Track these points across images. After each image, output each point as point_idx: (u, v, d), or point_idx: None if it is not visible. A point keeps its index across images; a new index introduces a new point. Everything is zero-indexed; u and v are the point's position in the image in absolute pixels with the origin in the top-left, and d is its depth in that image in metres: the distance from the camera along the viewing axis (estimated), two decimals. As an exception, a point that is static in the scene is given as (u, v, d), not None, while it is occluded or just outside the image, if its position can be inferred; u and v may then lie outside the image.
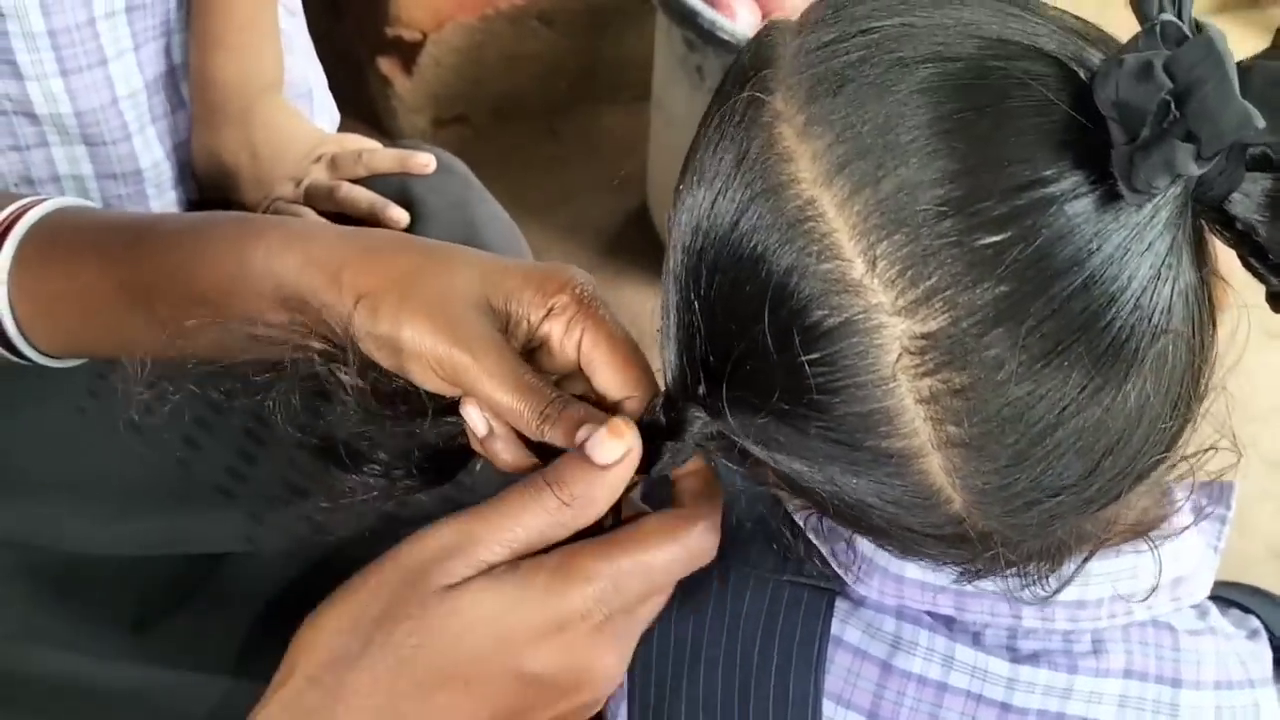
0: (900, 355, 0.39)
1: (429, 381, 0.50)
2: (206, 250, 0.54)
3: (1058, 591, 0.52)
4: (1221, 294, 0.45)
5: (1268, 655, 0.60)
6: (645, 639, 0.60)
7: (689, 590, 0.60)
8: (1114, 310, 0.39)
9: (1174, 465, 0.47)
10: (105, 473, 0.64)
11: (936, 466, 0.42)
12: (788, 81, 0.41)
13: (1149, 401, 0.41)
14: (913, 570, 0.56)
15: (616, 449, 0.46)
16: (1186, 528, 0.56)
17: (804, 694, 0.58)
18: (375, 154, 0.84)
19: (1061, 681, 0.56)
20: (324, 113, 0.98)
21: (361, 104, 1.91)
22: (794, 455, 0.44)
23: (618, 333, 0.51)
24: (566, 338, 0.51)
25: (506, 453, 0.50)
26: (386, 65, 1.86)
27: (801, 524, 0.59)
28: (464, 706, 0.46)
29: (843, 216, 0.39)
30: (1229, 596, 0.63)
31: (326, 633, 0.46)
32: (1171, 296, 0.40)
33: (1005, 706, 0.56)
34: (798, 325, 0.40)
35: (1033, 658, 0.56)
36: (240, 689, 0.61)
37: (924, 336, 0.39)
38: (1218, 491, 0.60)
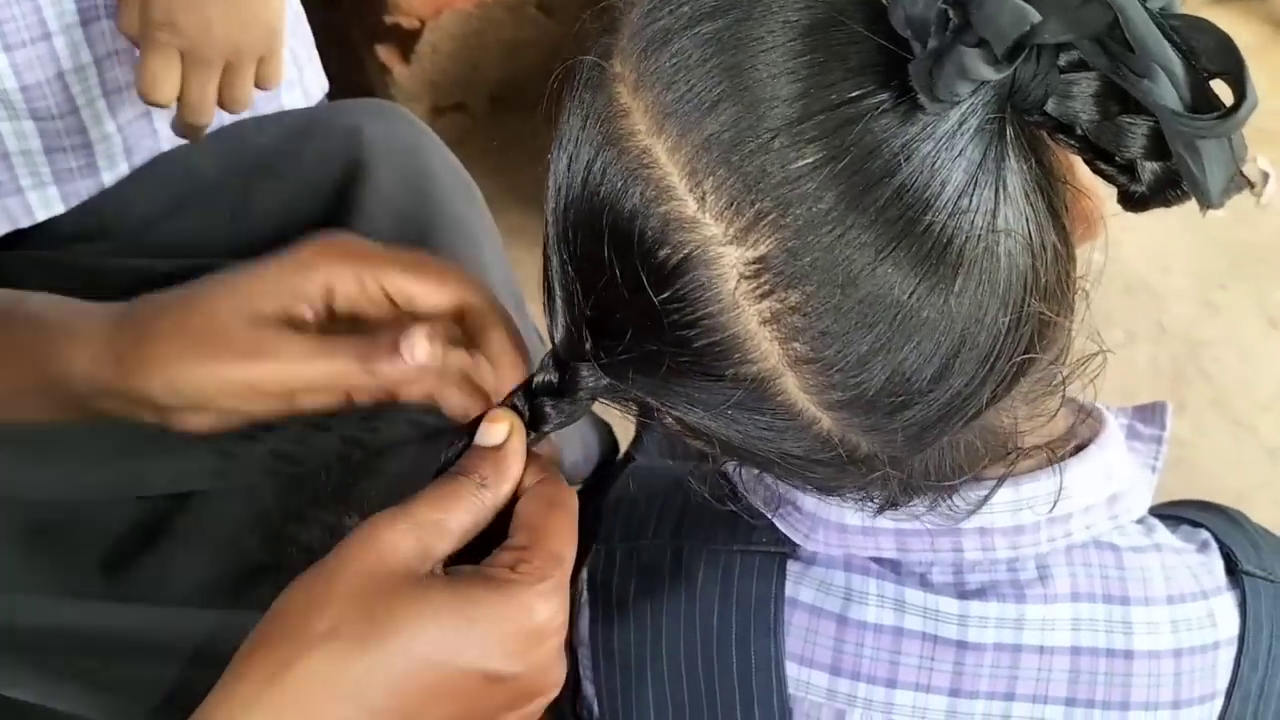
0: (738, 282, 0.42)
1: (258, 407, 0.53)
2: (12, 350, 0.56)
3: (974, 511, 0.53)
4: (1084, 205, 0.46)
5: (1219, 565, 0.60)
6: (607, 624, 0.63)
7: (645, 571, 0.62)
8: (931, 215, 0.40)
9: (1050, 375, 0.49)
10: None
11: (793, 386, 0.44)
12: (624, 46, 0.44)
13: (986, 302, 0.42)
14: (853, 518, 0.57)
15: (500, 431, 0.50)
16: (1083, 445, 0.56)
17: (766, 659, 0.59)
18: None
19: (1012, 612, 0.57)
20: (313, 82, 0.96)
21: (358, 91, 1.91)
22: (675, 396, 0.46)
23: (403, 254, 0.54)
24: (369, 293, 0.54)
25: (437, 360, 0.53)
26: (384, 53, 1.86)
27: (746, 494, 0.60)
28: (437, 705, 0.47)
29: (673, 161, 0.42)
30: (1179, 514, 0.64)
31: (296, 639, 0.46)
32: (995, 200, 0.41)
33: (961, 645, 0.57)
34: (646, 267, 0.43)
35: (980, 592, 0.57)
36: (229, 624, 0.61)
37: (756, 261, 0.41)
38: (1150, 412, 0.62)
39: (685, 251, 0.42)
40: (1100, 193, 0.47)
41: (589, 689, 0.65)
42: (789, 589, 0.59)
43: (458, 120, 1.91)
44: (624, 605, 0.62)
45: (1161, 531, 0.61)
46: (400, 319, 0.55)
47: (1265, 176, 1.96)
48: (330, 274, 0.54)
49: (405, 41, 1.85)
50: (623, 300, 0.44)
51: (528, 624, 0.47)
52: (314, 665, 0.44)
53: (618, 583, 0.63)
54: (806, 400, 0.44)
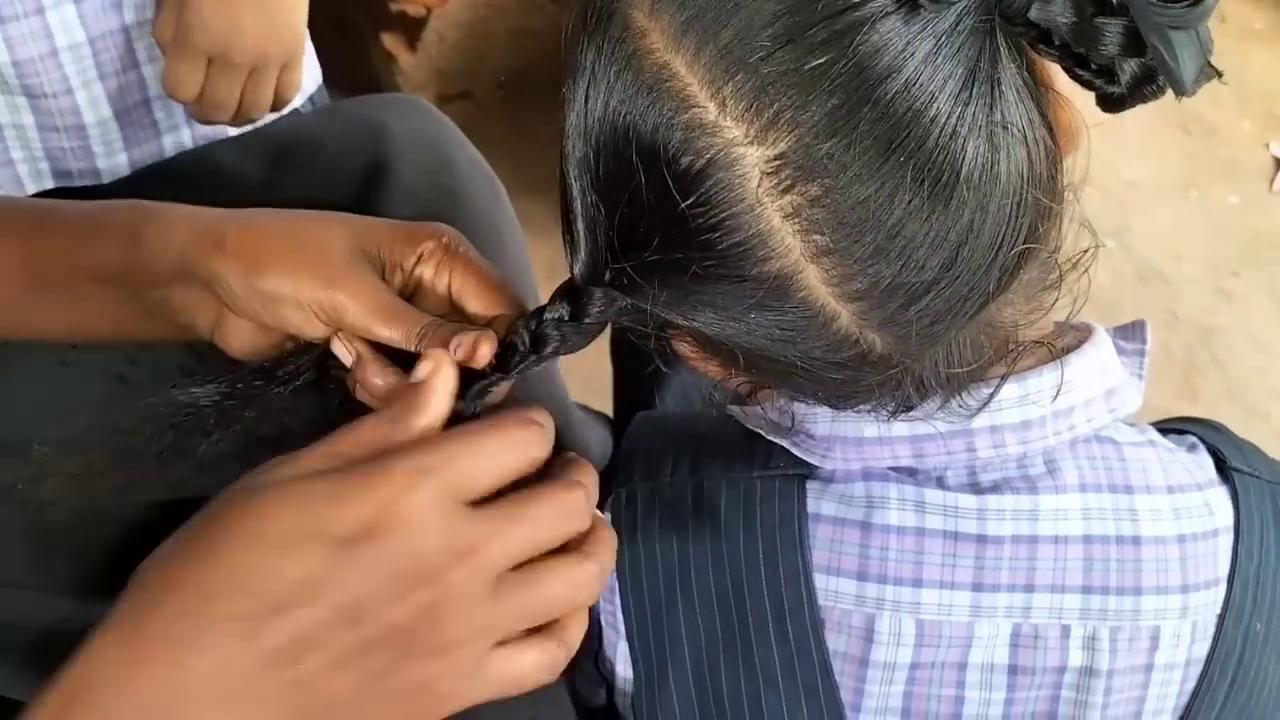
0: (760, 180, 0.45)
1: (311, 327, 0.55)
2: (102, 233, 0.59)
3: (984, 407, 0.56)
4: (1065, 117, 0.49)
5: (1209, 463, 0.64)
6: (633, 565, 0.64)
7: (667, 508, 0.64)
8: (936, 107, 0.44)
9: (1046, 268, 0.53)
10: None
11: (814, 279, 0.46)
12: None
13: (988, 190, 0.45)
14: (869, 429, 0.60)
15: (424, 367, 0.51)
16: (1076, 344, 0.59)
17: (794, 573, 0.61)
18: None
19: (1026, 504, 0.59)
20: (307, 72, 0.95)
21: (365, 79, 1.90)
22: (698, 305, 0.49)
23: (484, 267, 0.57)
24: (437, 279, 0.57)
25: (377, 377, 0.55)
26: (390, 40, 1.86)
27: (759, 429, 0.63)
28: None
29: (693, 72, 0.45)
30: (1165, 427, 0.68)
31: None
32: (992, 96, 0.45)
33: (981, 539, 0.59)
34: (671, 176, 0.45)
35: (995, 488, 0.60)
36: None
37: (776, 158, 0.44)
38: (1131, 330, 0.65)
39: (709, 156, 0.45)
40: (1079, 106, 0.50)
41: (613, 641, 0.66)
42: (810, 505, 0.61)
43: (464, 108, 1.91)
44: (649, 544, 0.64)
45: (1153, 433, 0.64)
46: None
47: (1277, 163, 1.95)
48: (423, 249, 0.57)
49: (411, 29, 1.84)
50: (647, 214, 0.47)
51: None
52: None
53: (642, 522, 0.65)
54: (826, 293, 0.47)
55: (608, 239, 0.49)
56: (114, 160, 0.84)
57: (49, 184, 0.83)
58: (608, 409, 1.14)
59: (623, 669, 0.66)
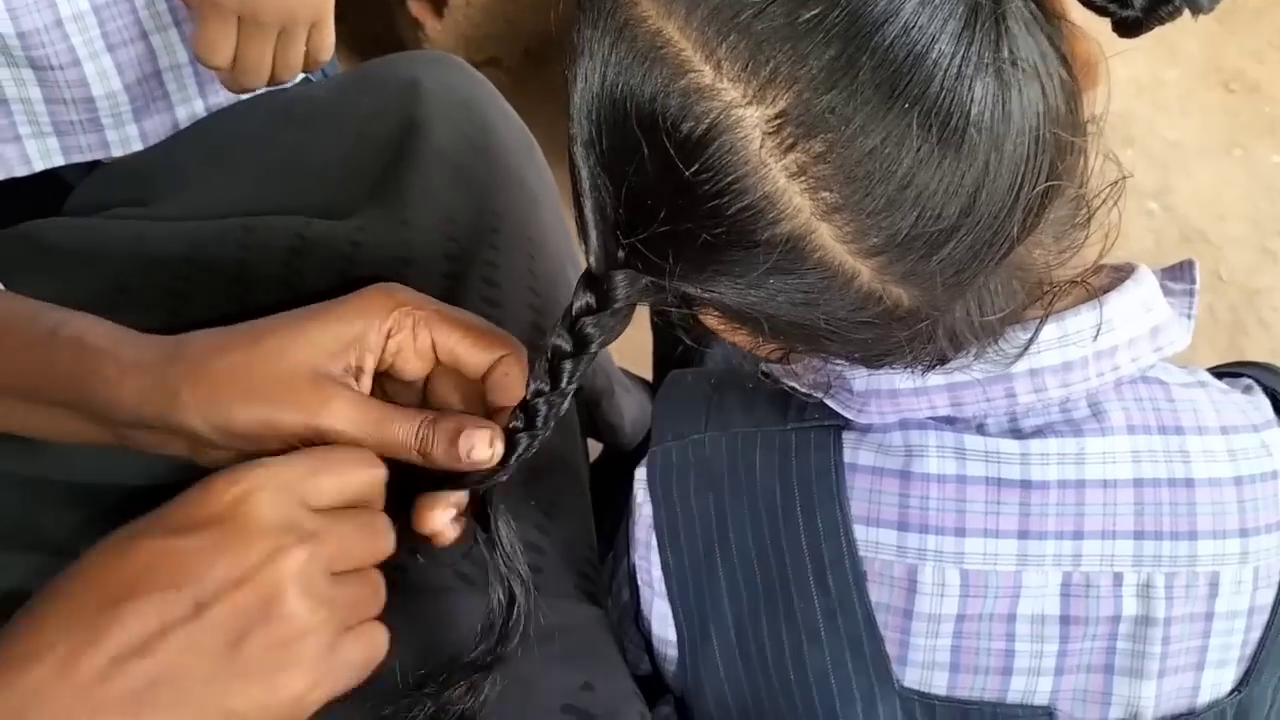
0: (762, 140, 0.43)
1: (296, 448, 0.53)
2: (51, 370, 0.55)
3: (1023, 352, 0.54)
4: (1083, 49, 0.48)
5: (1266, 404, 0.61)
6: (671, 524, 0.63)
7: (703, 465, 0.63)
8: (937, 48, 0.42)
9: (1075, 205, 0.51)
10: None
11: (828, 238, 0.45)
12: None
13: (1001, 130, 0.44)
14: (904, 381, 0.58)
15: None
16: (1118, 281, 0.57)
17: (833, 525, 0.59)
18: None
19: (1071, 447, 0.57)
20: None
21: (391, 46, 1.89)
22: (715, 276, 0.47)
23: (458, 314, 0.56)
24: (418, 345, 0.55)
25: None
26: (416, 7, 1.84)
27: (793, 385, 0.61)
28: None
29: (685, 36, 0.43)
30: (1218, 371, 0.65)
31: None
32: (997, 33, 0.43)
33: (1025, 484, 0.57)
34: (673, 144, 0.44)
35: (1038, 433, 0.58)
36: None
37: (777, 116, 0.43)
38: (1179, 270, 0.63)
39: (709, 120, 0.43)
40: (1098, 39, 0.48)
41: (649, 599, 0.65)
42: (847, 455, 0.60)
43: (492, 75, 1.88)
44: (686, 502, 0.63)
45: (1205, 374, 0.62)
46: (440, 374, 0.57)
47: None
48: (391, 323, 0.55)
49: (438, -6, 1.82)
50: (653, 186, 0.46)
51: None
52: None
53: (677, 480, 0.64)
54: (843, 251, 0.45)
55: (616, 218, 0.48)
56: (124, 131, 0.83)
57: (58, 161, 0.82)
58: (648, 375, 1.13)
59: (659, 628, 0.65)
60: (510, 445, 0.54)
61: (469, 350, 0.56)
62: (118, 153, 0.84)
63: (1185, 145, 1.88)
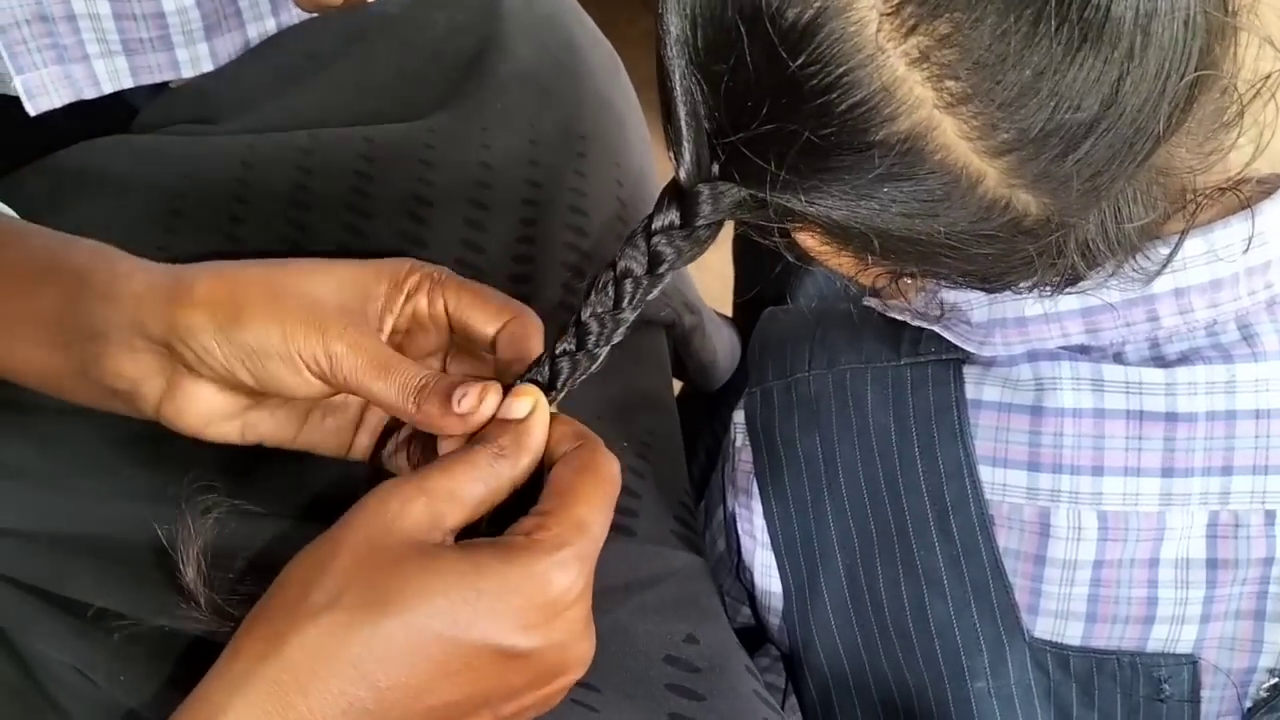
0: (879, 23, 0.39)
1: (300, 383, 0.51)
2: (51, 272, 0.53)
3: (1166, 267, 0.50)
4: None
5: None
6: (774, 468, 0.59)
7: (807, 404, 0.59)
8: None
9: (1222, 102, 0.46)
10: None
11: (952, 134, 0.41)
12: None
13: (1150, 11, 0.39)
14: (1033, 307, 0.54)
15: (524, 405, 0.49)
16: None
17: (956, 466, 0.55)
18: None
19: (1221, 375, 0.52)
20: None
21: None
22: (822, 186, 0.43)
23: (472, 284, 0.54)
24: (432, 309, 0.53)
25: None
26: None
27: (904, 317, 0.57)
28: (447, 682, 0.45)
29: None
30: None
31: (293, 611, 0.44)
32: None
33: (1171, 417, 0.53)
34: (777, 33, 0.40)
35: (1183, 359, 0.53)
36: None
37: None
38: None
39: (818, 3, 0.39)
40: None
41: (751, 549, 0.62)
42: (970, 391, 0.56)
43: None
44: (790, 444, 0.59)
45: None
46: (446, 344, 0.56)
47: None
48: (410, 285, 0.54)
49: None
50: (754, 84, 0.42)
51: (541, 595, 0.44)
52: (310, 638, 0.43)
53: (780, 422, 0.60)
54: (968, 150, 0.41)
55: (713, 123, 0.44)
56: (194, 50, 0.80)
57: (127, 82, 0.79)
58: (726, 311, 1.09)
59: (762, 580, 0.62)
60: (555, 369, 0.51)
61: (476, 312, 0.54)
62: (188, 73, 0.81)
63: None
